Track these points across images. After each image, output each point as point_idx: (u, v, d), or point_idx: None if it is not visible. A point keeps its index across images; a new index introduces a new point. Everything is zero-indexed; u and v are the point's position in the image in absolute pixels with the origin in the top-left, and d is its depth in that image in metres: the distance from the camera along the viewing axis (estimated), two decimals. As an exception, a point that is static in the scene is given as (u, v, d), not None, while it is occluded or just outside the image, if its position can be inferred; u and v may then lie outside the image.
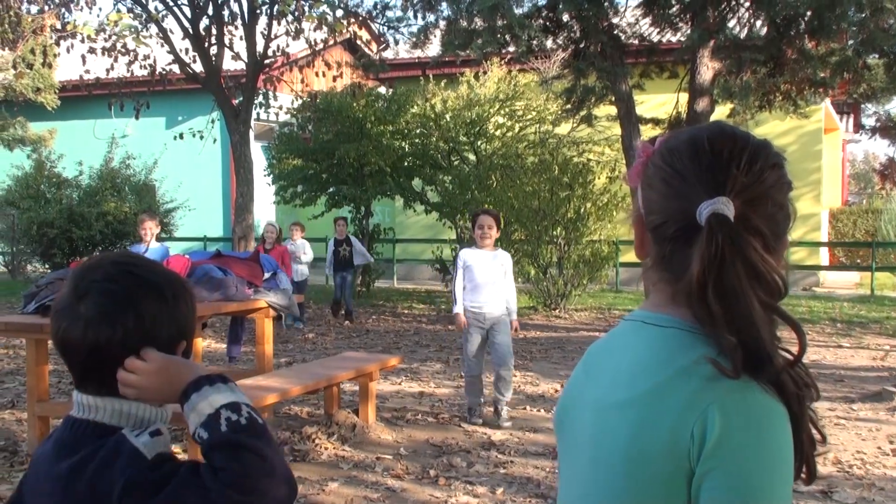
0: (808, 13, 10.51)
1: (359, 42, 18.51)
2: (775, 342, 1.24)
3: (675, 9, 11.82)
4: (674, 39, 13.12)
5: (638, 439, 1.26)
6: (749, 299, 1.22)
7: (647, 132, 13.77)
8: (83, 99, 21.84)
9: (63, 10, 14.88)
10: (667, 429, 1.23)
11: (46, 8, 14.73)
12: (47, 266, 18.64)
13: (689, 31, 11.68)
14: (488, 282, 7.18)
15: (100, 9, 17.47)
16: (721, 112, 13.62)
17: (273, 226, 12.40)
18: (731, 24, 11.77)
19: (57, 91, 23.01)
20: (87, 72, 14.96)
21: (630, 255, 17.81)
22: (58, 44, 15.40)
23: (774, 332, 1.25)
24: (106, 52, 15.09)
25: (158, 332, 1.53)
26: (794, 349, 1.27)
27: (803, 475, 1.27)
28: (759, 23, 11.64)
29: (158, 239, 9.28)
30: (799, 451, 1.23)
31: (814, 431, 1.28)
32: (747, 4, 11.48)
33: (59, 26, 14.98)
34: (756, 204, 1.28)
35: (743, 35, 11.59)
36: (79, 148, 21.69)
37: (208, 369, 1.52)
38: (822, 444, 1.29)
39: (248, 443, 1.40)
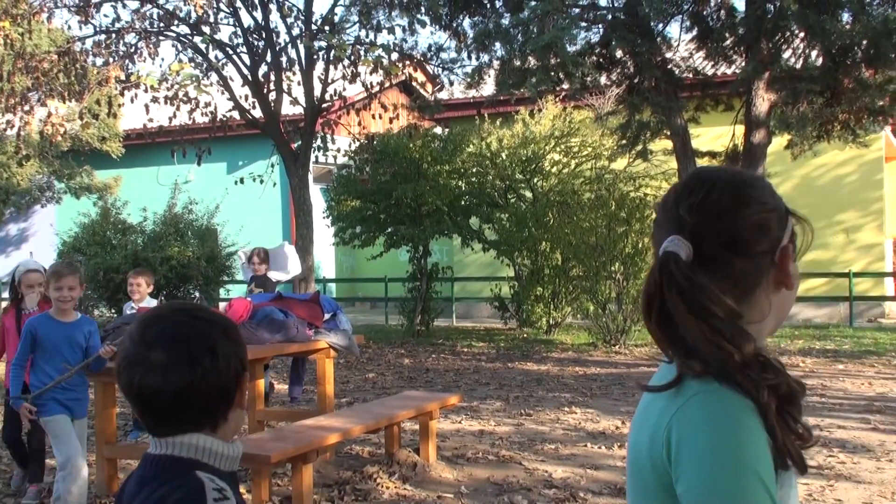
0: (864, 42, 10.44)
1: (414, 84, 18.73)
2: (722, 349, 1.33)
3: (728, 42, 11.83)
4: (728, 72, 13.09)
5: (633, 450, 1.45)
6: (683, 320, 1.35)
7: (704, 165, 13.73)
8: (147, 147, 22.39)
9: (127, 61, 15.30)
10: (647, 439, 1.40)
11: (111, 60, 15.16)
12: (113, 311, 18.98)
13: (743, 64, 11.67)
14: None
15: (162, 59, 18.00)
16: (778, 143, 13.52)
17: (37, 271, 6.66)
18: (785, 55, 11.71)
19: (121, 140, 23.67)
20: (151, 120, 15.36)
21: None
22: (122, 94, 15.83)
23: (718, 342, 1.33)
24: (168, 101, 15.48)
25: (229, 369, 1.61)
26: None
27: (791, 465, 1.34)
28: (814, 53, 11.57)
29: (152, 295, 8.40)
30: (775, 441, 1.31)
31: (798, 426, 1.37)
32: (802, 35, 11.43)
33: (123, 77, 15.40)
34: (706, 236, 1.41)
35: (798, 66, 11.53)
36: (143, 194, 22.15)
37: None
38: (808, 437, 1.37)
39: None
